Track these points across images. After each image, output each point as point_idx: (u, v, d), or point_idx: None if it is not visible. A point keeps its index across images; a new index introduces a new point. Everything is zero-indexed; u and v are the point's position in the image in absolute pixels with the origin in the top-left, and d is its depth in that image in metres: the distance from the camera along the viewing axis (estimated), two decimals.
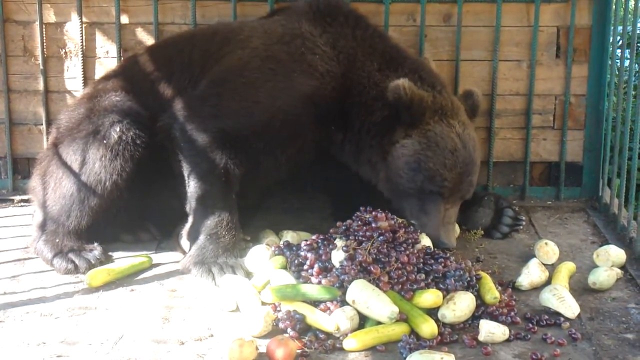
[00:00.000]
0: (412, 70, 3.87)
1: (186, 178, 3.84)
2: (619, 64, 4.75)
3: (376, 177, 3.90)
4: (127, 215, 4.10)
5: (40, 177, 4.04)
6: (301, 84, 3.83)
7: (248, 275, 3.63)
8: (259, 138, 3.82)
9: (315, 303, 3.29)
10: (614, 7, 4.64)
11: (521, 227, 4.33)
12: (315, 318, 3.21)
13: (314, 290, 3.30)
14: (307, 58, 3.88)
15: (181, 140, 3.83)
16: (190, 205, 3.84)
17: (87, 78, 4.80)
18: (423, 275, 3.36)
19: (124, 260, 3.89)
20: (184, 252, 3.95)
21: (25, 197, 4.68)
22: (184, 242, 3.95)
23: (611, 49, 4.73)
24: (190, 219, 3.87)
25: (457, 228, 4.26)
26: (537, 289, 3.58)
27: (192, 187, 3.82)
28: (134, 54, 4.46)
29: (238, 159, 3.80)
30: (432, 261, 3.45)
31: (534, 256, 3.90)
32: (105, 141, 3.87)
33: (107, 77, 4.30)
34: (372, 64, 3.90)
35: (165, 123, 3.91)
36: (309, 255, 3.48)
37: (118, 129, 3.87)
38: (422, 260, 3.43)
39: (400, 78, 3.71)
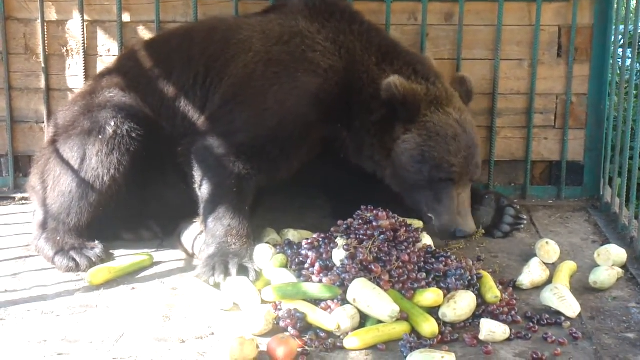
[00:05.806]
0: (406, 63, 3.91)
1: (200, 195, 3.86)
2: (620, 64, 4.74)
3: (382, 172, 3.92)
4: (128, 213, 4.11)
5: (39, 176, 4.05)
6: (306, 83, 3.85)
7: (258, 275, 3.57)
8: (273, 143, 3.84)
9: (316, 302, 3.29)
10: (615, 6, 4.63)
11: (522, 226, 4.32)
12: (316, 317, 3.21)
13: (314, 288, 3.30)
14: (308, 56, 3.89)
15: (196, 160, 3.87)
16: (205, 217, 3.83)
17: (88, 76, 4.79)
18: (424, 274, 3.36)
19: (125, 258, 3.90)
20: (186, 251, 3.96)
21: (26, 195, 4.67)
22: (186, 240, 3.95)
23: (613, 48, 4.73)
24: (202, 225, 3.86)
25: None
26: (538, 288, 3.58)
27: (205, 197, 3.83)
28: (128, 51, 4.46)
29: (253, 169, 3.82)
30: (433, 260, 3.45)
31: (535, 255, 3.90)
32: (100, 136, 3.89)
33: (102, 75, 4.31)
34: (370, 58, 3.93)
35: (184, 149, 3.95)
36: (310, 254, 3.48)
37: (113, 124, 3.89)
38: (423, 259, 3.43)
39: (393, 75, 3.74)
